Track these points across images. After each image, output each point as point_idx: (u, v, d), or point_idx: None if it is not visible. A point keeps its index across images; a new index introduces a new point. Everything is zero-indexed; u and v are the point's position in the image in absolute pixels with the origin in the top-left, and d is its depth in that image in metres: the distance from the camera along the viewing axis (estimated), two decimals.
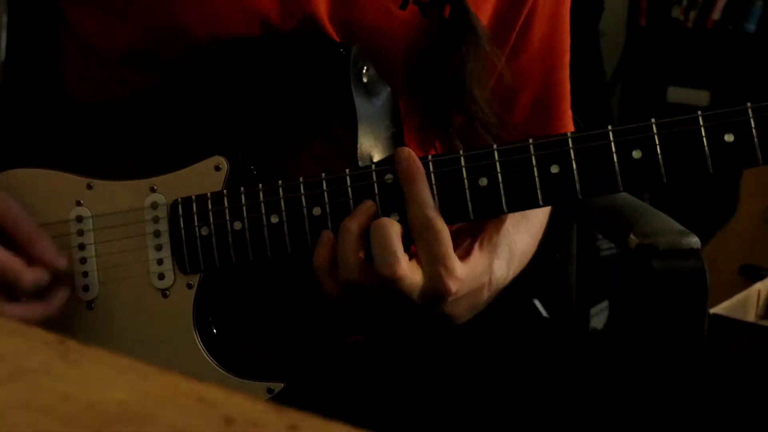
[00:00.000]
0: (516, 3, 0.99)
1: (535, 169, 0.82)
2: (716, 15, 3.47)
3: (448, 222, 0.84)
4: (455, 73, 0.93)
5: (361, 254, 0.83)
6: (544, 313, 1.31)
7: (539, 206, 0.84)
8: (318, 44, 0.90)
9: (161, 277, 0.89)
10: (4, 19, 1.09)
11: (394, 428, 0.94)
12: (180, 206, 0.88)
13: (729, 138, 0.80)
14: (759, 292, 2.14)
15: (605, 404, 0.97)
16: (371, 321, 0.98)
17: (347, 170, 0.85)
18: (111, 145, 0.92)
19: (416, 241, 0.83)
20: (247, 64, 0.90)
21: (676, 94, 3.56)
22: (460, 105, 0.94)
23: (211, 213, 0.87)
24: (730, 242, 2.58)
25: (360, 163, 0.88)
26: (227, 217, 0.87)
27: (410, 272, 0.82)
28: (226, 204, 0.87)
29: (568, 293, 1.52)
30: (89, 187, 0.90)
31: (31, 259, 0.87)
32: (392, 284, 0.81)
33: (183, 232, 0.88)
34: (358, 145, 0.89)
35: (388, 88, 0.93)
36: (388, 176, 0.84)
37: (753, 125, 0.79)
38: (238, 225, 0.87)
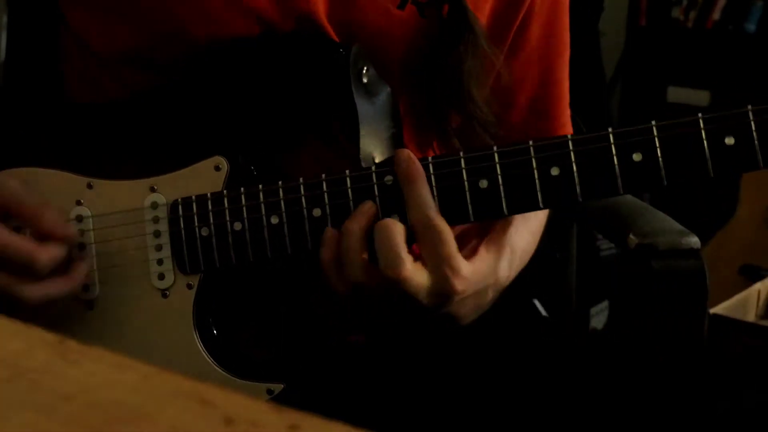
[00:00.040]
0: (514, 2, 0.99)
1: (536, 171, 0.82)
2: (716, 15, 3.47)
3: (448, 224, 0.84)
4: (453, 72, 0.93)
5: (365, 255, 0.83)
6: (543, 312, 1.31)
7: (539, 208, 0.83)
8: (318, 44, 0.90)
9: (161, 277, 0.89)
10: (4, 19, 1.09)
11: (395, 428, 0.94)
12: (180, 206, 0.88)
13: (729, 141, 0.79)
14: (759, 292, 2.14)
15: (605, 404, 0.97)
16: (375, 320, 0.98)
17: (347, 171, 0.85)
18: (111, 144, 0.92)
19: (419, 243, 0.83)
20: (247, 64, 0.90)
21: (676, 94, 3.56)
22: (458, 104, 0.94)
23: (211, 213, 0.87)
24: (730, 242, 2.58)
25: (363, 164, 0.88)
26: (227, 218, 0.87)
27: (415, 273, 0.81)
28: (226, 204, 0.87)
29: (568, 293, 1.52)
30: (89, 186, 0.90)
31: (41, 236, 0.86)
32: (397, 285, 0.81)
33: (183, 232, 0.88)
34: (361, 146, 0.89)
35: (388, 88, 0.93)
36: (388, 177, 0.84)
37: (754, 128, 0.79)
38: (238, 225, 0.87)
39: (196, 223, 0.88)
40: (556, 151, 0.82)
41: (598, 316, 2.62)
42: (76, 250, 0.89)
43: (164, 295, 0.89)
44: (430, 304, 0.83)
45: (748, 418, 1.81)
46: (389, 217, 0.84)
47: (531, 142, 0.82)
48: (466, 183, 0.83)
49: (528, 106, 1.05)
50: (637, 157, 0.81)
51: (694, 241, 1.21)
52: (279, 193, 0.86)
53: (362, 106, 0.89)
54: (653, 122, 0.81)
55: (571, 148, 0.82)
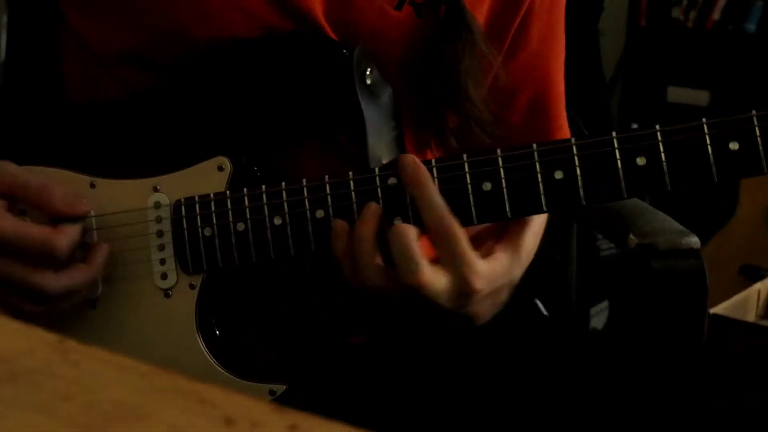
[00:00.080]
0: (512, 5, 0.99)
1: (539, 174, 0.82)
2: (716, 15, 3.47)
3: None
4: (450, 71, 0.93)
5: (380, 260, 0.82)
6: (545, 312, 1.31)
7: (543, 212, 0.83)
8: (321, 45, 0.90)
9: (164, 277, 0.89)
10: (4, 19, 1.09)
11: (395, 429, 0.94)
12: (183, 206, 0.88)
13: (734, 146, 0.79)
14: (759, 292, 2.14)
15: (605, 404, 0.97)
16: (383, 319, 0.98)
17: (350, 173, 0.85)
18: (114, 144, 0.92)
19: (436, 245, 0.82)
20: (251, 65, 0.90)
21: (676, 94, 3.56)
22: (455, 103, 0.94)
23: (214, 214, 0.87)
24: (730, 242, 2.58)
25: (371, 166, 0.88)
26: (230, 218, 0.87)
27: (434, 277, 0.81)
28: (229, 205, 0.87)
29: (568, 293, 1.52)
30: (92, 185, 0.90)
31: (53, 216, 0.85)
32: (417, 290, 0.81)
33: (186, 232, 0.88)
34: (369, 148, 0.89)
35: (390, 89, 0.92)
36: (392, 180, 0.84)
37: (758, 133, 0.79)
38: (241, 226, 0.87)
39: (199, 224, 0.88)
40: (560, 154, 0.82)
41: (598, 316, 2.62)
42: (86, 235, 0.89)
43: (167, 295, 0.89)
44: (449, 306, 0.83)
45: (748, 418, 1.81)
46: (392, 219, 0.83)
47: (535, 146, 0.82)
48: (469, 186, 0.83)
49: (527, 107, 1.05)
50: (641, 161, 0.80)
51: (694, 241, 1.21)
52: (282, 195, 0.86)
53: (367, 108, 0.89)
54: (657, 126, 0.81)
55: (575, 151, 0.81)
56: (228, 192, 0.88)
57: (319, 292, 0.95)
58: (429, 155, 0.99)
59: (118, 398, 0.42)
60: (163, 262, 0.89)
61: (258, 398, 0.42)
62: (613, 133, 0.81)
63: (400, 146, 0.94)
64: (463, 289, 0.82)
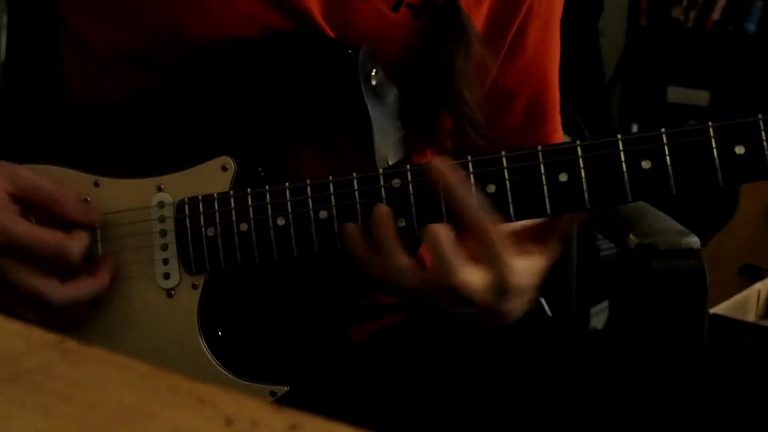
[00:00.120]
0: (510, 8, 0.99)
1: (544, 177, 0.81)
2: (716, 15, 3.47)
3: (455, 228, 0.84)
4: (445, 72, 0.93)
5: (408, 260, 0.82)
6: (548, 312, 1.31)
7: (547, 215, 0.83)
8: (326, 46, 0.90)
9: (166, 276, 0.89)
10: (4, 19, 1.09)
11: (396, 429, 0.94)
12: (186, 206, 0.88)
13: (740, 150, 0.79)
14: (759, 292, 2.15)
15: (605, 404, 0.97)
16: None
17: (354, 174, 0.85)
18: (118, 143, 0.92)
19: (475, 244, 0.81)
20: (256, 65, 0.90)
21: (676, 94, 3.56)
22: (449, 104, 0.94)
23: (217, 213, 0.87)
24: (730, 242, 2.58)
25: (378, 166, 0.87)
26: (234, 218, 0.87)
27: (472, 276, 0.80)
28: (232, 205, 0.87)
29: (568, 293, 1.52)
30: (96, 184, 0.90)
31: (62, 225, 0.85)
32: (453, 292, 0.81)
33: (189, 232, 0.88)
34: (375, 149, 0.89)
35: (396, 90, 0.92)
36: (396, 181, 0.84)
37: (764, 138, 0.78)
38: (244, 226, 0.87)
39: (202, 223, 0.88)
40: (565, 157, 0.81)
41: (598, 316, 2.62)
42: (92, 246, 0.88)
43: (169, 295, 0.89)
44: (483, 304, 0.82)
45: (748, 418, 1.82)
46: (396, 220, 0.83)
47: (540, 148, 0.82)
48: (473, 188, 0.83)
49: (524, 111, 1.05)
50: (646, 164, 0.80)
51: (694, 241, 1.21)
52: (286, 194, 0.86)
53: (373, 109, 0.89)
54: (663, 129, 0.80)
55: (579, 154, 0.81)
56: (231, 192, 0.87)
57: (322, 293, 0.95)
58: (428, 156, 0.99)
59: (118, 398, 0.42)
60: (165, 261, 0.89)
61: (258, 398, 0.42)
62: (618, 136, 0.81)
63: (406, 147, 0.94)
64: (500, 287, 0.81)
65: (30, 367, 0.44)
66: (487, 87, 1.00)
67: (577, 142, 0.82)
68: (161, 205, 0.89)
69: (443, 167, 0.82)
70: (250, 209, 0.86)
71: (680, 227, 1.23)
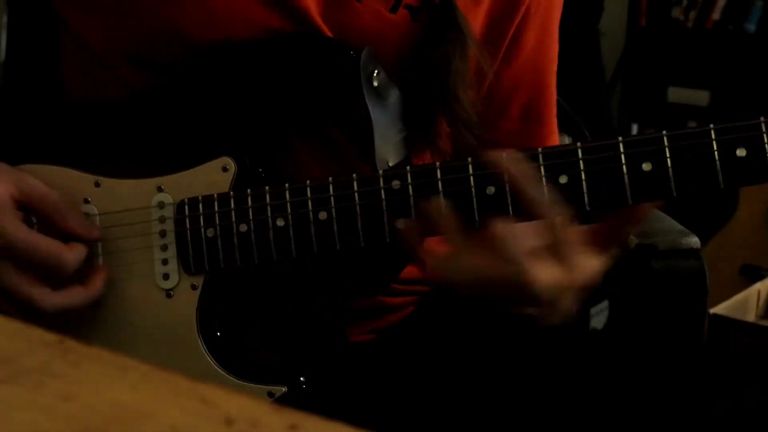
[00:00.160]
0: (508, 10, 0.99)
1: (543, 179, 0.81)
2: (716, 15, 3.48)
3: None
4: (441, 72, 0.93)
5: (479, 258, 0.80)
6: None
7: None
8: (328, 47, 0.90)
9: (166, 277, 0.89)
10: (4, 19, 1.09)
11: (396, 429, 0.94)
12: (186, 206, 0.88)
13: (741, 153, 0.78)
14: (759, 292, 2.15)
15: (605, 404, 0.97)
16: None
17: (354, 175, 0.85)
18: (118, 144, 0.92)
19: (547, 239, 0.80)
20: (257, 66, 0.90)
21: (676, 94, 3.56)
22: (444, 104, 0.94)
23: (217, 214, 0.87)
24: (730, 242, 2.59)
25: (378, 168, 0.87)
26: (233, 219, 0.87)
27: (542, 273, 0.79)
28: (232, 205, 0.87)
29: None
30: (97, 185, 0.90)
31: (62, 234, 0.85)
32: (522, 289, 0.80)
33: (189, 232, 0.88)
34: (376, 151, 0.89)
35: (398, 91, 0.92)
36: (395, 182, 0.84)
37: (766, 140, 0.78)
38: (243, 227, 0.87)
39: (202, 224, 0.88)
40: (565, 159, 0.81)
41: (598, 316, 2.61)
42: (90, 250, 0.89)
43: (168, 296, 0.89)
44: (547, 301, 0.81)
45: (748, 418, 1.82)
46: (396, 221, 0.83)
47: (540, 150, 0.82)
48: (473, 189, 0.82)
49: (521, 113, 1.05)
50: (646, 166, 0.80)
51: (694, 241, 1.21)
52: (285, 195, 0.86)
53: (375, 110, 0.89)
54: (664, 132, 0.80)
55: (580, 156, 0.81)
56: (231, 192, 0.87)
57: (321, 294, 0.95)
58: (428, 157, 0.99)
59: (118, 398, 0.42)
60: (165, 262, 0.89)
61: (258, 398, 0.42)
62: (619, 138, 0.81)
63: (407, 148, 0.94)
64: (569, 282, 0.80)
65: (30, 367, 0.44)
66: (484, 89, 1.00)
67: (578, 144, 0.81)
68: (161, 205, 0.89)
69: (516, 158, 0.81)
70: (250, 210, 0.86)
71: (680, 227, 1.23)
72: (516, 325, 0.98)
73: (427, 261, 0.83)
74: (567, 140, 1.33)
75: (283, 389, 0.87)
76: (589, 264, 0.83)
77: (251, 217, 0.86)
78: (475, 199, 0.82)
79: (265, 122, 0.90)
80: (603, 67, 3.58)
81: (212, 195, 0.88)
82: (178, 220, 0.88)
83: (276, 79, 0.90)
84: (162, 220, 0.89)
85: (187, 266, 0.88)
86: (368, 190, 0.84)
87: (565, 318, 0.86)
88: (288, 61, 0.90)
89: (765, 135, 0.78)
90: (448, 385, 0.98)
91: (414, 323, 1.05)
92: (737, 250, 2.56)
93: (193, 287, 0.89)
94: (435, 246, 0.88)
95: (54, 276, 0.85)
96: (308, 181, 0.85)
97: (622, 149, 0.80)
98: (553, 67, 1.06)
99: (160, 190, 0.89)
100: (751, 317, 2.10)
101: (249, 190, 0.87)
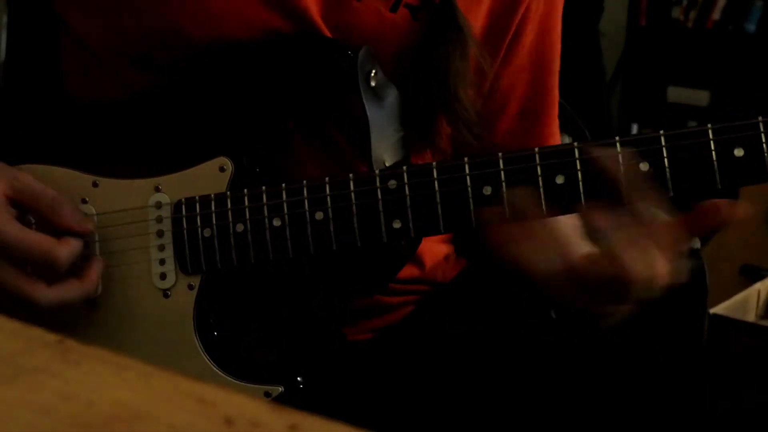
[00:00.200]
0: (508, 10, 0.99)
1: (540, 179, 0.81)
2: (716, 15, 3.48)
3: (449, 230, 0.84)
4: (442, 72, 0.93)
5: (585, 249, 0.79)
6: (553, 314, 1.31)
7: (543, 216, 0.82)
8: (325, 46, 0.90)
9: (163, 277, 0.89)
10: (4, 19, 1.09)
11: (396, 428, 0.94)
12: (183, 206, 0.88)
13: (739, 152, 0.78)
14: (759, 292, 2.15)
15: (605, 404, 0.97)
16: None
17: (351, 175, 0.85)
18: (117, 144, 0.92)
19: (652, 235, 0.79)
20: (254, 66, 0.90)
21: (676, 94, 3.56)
22: (444, 104, 0.94)
23: (213, 214, 0.87)
24: (730, 242, 2.58)
25: (374, 168, 0.87)
26: (230, 219, 0.87)
27: (662, 265, 0.78)
28: (228, 205, 0.87)
29: None
30: (95, 185, 0.90)
31: (57, 231, 0.85)
32: (649, 283, 0.79)
33: (186, 232, 0.88)
34: (372, 150, 0.89)
35: (396, 91, 0.92)
36: (392, 182, 0.84)
37: (764, 140, 0.78)
38: (240, 227, 0.87)
39: (199, 224, 0.88)
40: (562, 159, 0.81)
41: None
42: (87, 248, 0.89)
43: (166, 295, 0.89)
44: (644, 295, 0.81)
45: (748, 418, 1.82)
46: (392, 222, 0.83)
47: (536, 150, 0.82)
48: (469, 189, 0.82)
49: (520, 113, 1.04)
50: (644, 167, 0.80)
51: (694, 240, 1.21)
52: (282, 195, 0.86)
53: (371, 110, 0.89)
54: (662, 132, 0.80)
55: (576, 156, 0.81)
56: (228, 192, 0.87)
57: (318, 294, 0.95)
58: (426, 157, 0.99)
59: (118, 398, 0.42)
60: (162, 262, 0.89)
61: (258, 398, 0.42)
62: (617, 138, 0.81)
63: (404, 148, 0.94)
64: (674, 274, 0.80)
65: (30, 366, 0.44)
66: (485, 89, 1.00)
67: (575, 143, 0.81)
68: (158, 205, 0.89)
69: (615, 156, 0.80)
70: (246, 210, 0.86)
71: None
72: (515, 325, 0.98)
73: (512, 250, 0.81)
74: (567, 140, 1.33)
75: (280, 389, 0.87)
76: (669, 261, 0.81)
77: (248, 217, 0.86)
78: (471, 200, 0.82)
79: (262, 122, 0.90)
80: (603, 67, 3.58)
81: (209, 195, 0.88)
82: (176, 220, 0.88)
83: (273, 78, 0.90)
84: (159, 220, 0.89)
85: (184, 266, 0.88)
86: (365, 189, 0.84)
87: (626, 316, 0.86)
88: (285, 61, 0.90)
89: (763, 135, 0.78)
90: (448, 385, 0.98)
91: (413, 323, 1.05)
92: (737, 250, 2.56)
93: (190, 287, 0.89)
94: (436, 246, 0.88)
95: (49, 272, 0.85)
96: (305, 181, 0.85)
97: (619, 149, 0.80)
98: (555, 67, 1.06)
99: (157, 190, 0.89)
100: (751, 317, 2.10)
101: (246, 190, 0.87)
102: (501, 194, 0.81)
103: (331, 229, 0.85)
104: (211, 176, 0.88)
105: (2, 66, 1.09)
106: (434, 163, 0.84)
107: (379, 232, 0.84)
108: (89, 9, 0.95)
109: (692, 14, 3.50)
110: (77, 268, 0.87)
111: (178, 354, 0.89)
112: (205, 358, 0.88)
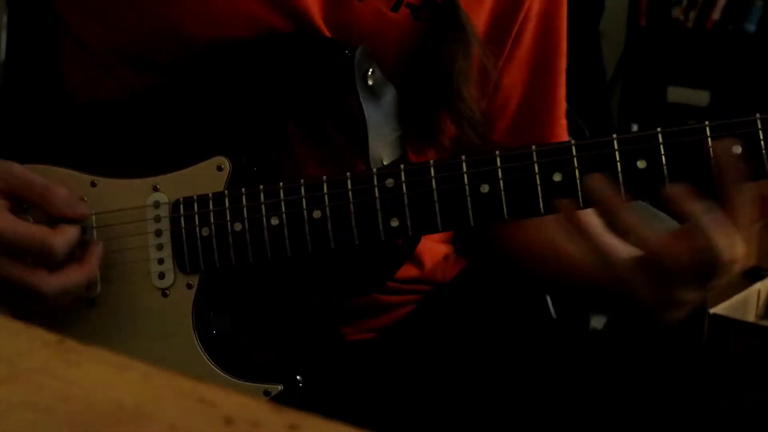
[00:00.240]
0: (511, 8, 0.99)
1: (538, 176, 0.81)
2: (716, 15, 3.47)
3: (447, 228, 0.84)
4: (445, 71, 0.93)
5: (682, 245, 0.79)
6: (553, 313, 1.31)
7: (540, 214, 0.82)
8: (322, 45, 0.90)
9: (161, 276, 0.89)
10: (4, 19, 1.09)
11: (396, 428, 0.94)
12: (181, 206, 0.88)
13: (736, 150, 0.78)
14: (759, 292, 2.15)
15: (605, 404, 0.97)
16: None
17: (348, 173, 0.85)
18: (115, 143, 0.92)
19: (736, 220, 0.81)
20: (252, 65, 0.90)
21: (676, 94, 3.56)
22: (448, 103, 0.94)
23: (212, 213, 0.87)
24: None
25: (372, 166, 0.87)
26: (228, 218, 0.87)
27: (744, 252, 0.79)
28: (226, 204, 0.87)
29: (571, 294, 1.51)
30: (93, 184, 0.90)
31: (52, 217, 0.85)
32: (731, 265, 0.80)
33: (184, 231, 0.88)
34: (370, 149, 0.89)
35: (393, 89, 0.92)
36: (389, 180, 0.84)
37: (761, 137, 0.78)
38: (238, 226, 0.87)
39: (197, 223, 0.88)
40: (559, 156, 0.81)
41: (598, 316, 2.61)
42: (85, 234, 0.89)
43: (164, 295, 0.89)
44: (721, 282, 0.82)
45: (748, 418, 1.81)
46: (389, 220, 0.83)
47: (534, 147, 0.82)
48: (467, 187, 0.83)
49: (522, 112, 1.04)
50: (641, 164, 0.80)
51: None
52: (279, 194, 0.86)
53: (369, 108, 0.89)
54: (659, 129, 0.80)
55: (574, 153, 0.81)
56: (226, 191, 0.88)
57: (316, 293, 0.95)
58: (429, 156, 0.99)
59: (118, 398, 0.42)
60: (161, 261, 0.89)
61: (258, 398, 0.42)
62: (614, 135, 0.80)
63: (402, 147, 0.94)
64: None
65: (30, 367, 0.44)
66: (488, 87, 1.00)
67: (572, 141, 0.81)
68: (157, 204, 0.89)
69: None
70: (244, 209, 0.87)
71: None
72: (515, 325, 0.98)
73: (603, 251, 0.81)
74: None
75: (279, 388, 0.87)
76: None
77: (246, 216, 0.86)
78: (469, 198, 0.83)
79: (260, 121, 0.90)
80: (603, 67, 3.58)
81: (207, 194, 0.88)
82: (174, 220, 0.88)
83: (271, 78, 0.90)
84: (157, 219, 0.89)
85: (182, 265, 0.89)
86: (362, 188, 0.84)
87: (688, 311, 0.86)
88: (283, 61, 0.90)
89: (761, 132, 0.78)
90: (447, 385, 0.98)
91: (413, 323, 1.05)
92: None
93: (189, 286, 0.89)
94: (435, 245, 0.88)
95: (49, 262, 0.84)
96: (302, 180, 0.86)
97: (616, 146, 0.80)
98: (560, 65, 1.05)
99: (155, 189, 0.89)
100: (751, 317, 2.10)
101: (243, 189, 0.87)
102: (499, 192, 0.81)
103: (329, 227, 0.85)
104: (209, 175, 0.88)
105: (2, 66, 1.09)
106: (431, 162, 0.84)
107: (377, 231, 0.85)
108: (89, 9, 0.95)
109: (692, 14, 3.50)
110: (77, 254, 0.87)
111: (177, 353, 0.89)
112: (204, 357, 0.88)
